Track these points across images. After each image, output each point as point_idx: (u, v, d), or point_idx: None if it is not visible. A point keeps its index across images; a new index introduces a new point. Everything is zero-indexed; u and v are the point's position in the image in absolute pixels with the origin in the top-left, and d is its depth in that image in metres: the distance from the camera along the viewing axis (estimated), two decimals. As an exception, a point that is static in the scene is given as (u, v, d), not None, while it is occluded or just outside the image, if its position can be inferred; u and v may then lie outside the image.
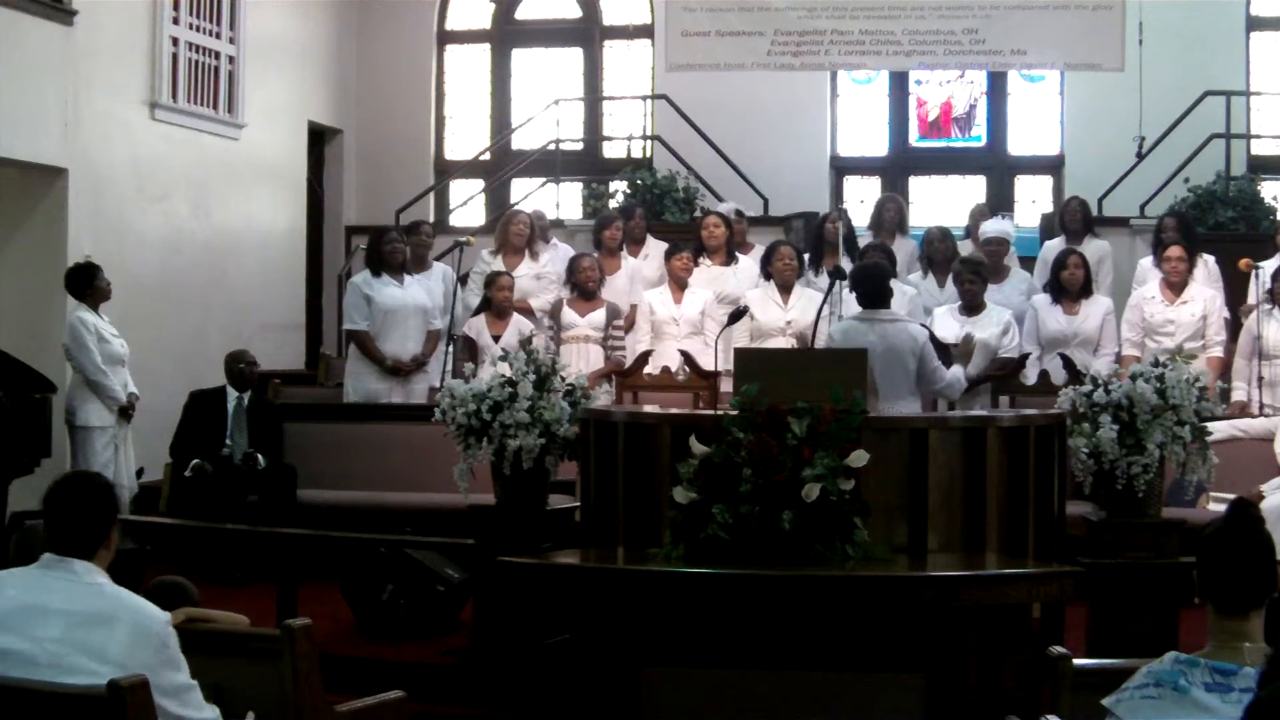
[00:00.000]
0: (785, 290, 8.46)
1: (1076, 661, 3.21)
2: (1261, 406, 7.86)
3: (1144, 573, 5.40)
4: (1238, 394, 8.05)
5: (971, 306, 8.15)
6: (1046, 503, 5.23)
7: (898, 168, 12.66)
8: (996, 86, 12.50)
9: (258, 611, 5.12)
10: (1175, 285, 8.49)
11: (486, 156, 12.91)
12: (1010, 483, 5.13)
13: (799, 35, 10.99)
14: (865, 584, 4.62)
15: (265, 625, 3.97)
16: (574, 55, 13.18)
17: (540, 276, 9.38)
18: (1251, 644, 2.72)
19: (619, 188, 11.80)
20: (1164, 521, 5.48)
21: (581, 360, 8.49)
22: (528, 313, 9.04)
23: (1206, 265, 8.95)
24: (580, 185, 12.72)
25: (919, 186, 12.69)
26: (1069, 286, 8.48)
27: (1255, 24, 11.94)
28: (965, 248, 9.51)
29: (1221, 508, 2.85)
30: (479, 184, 12.96)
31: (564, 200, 12.57)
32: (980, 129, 12.62)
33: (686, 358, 8.36)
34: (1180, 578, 5.21)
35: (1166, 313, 8.44)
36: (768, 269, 8.62)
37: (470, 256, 9.74)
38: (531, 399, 5.56)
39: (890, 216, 9.86)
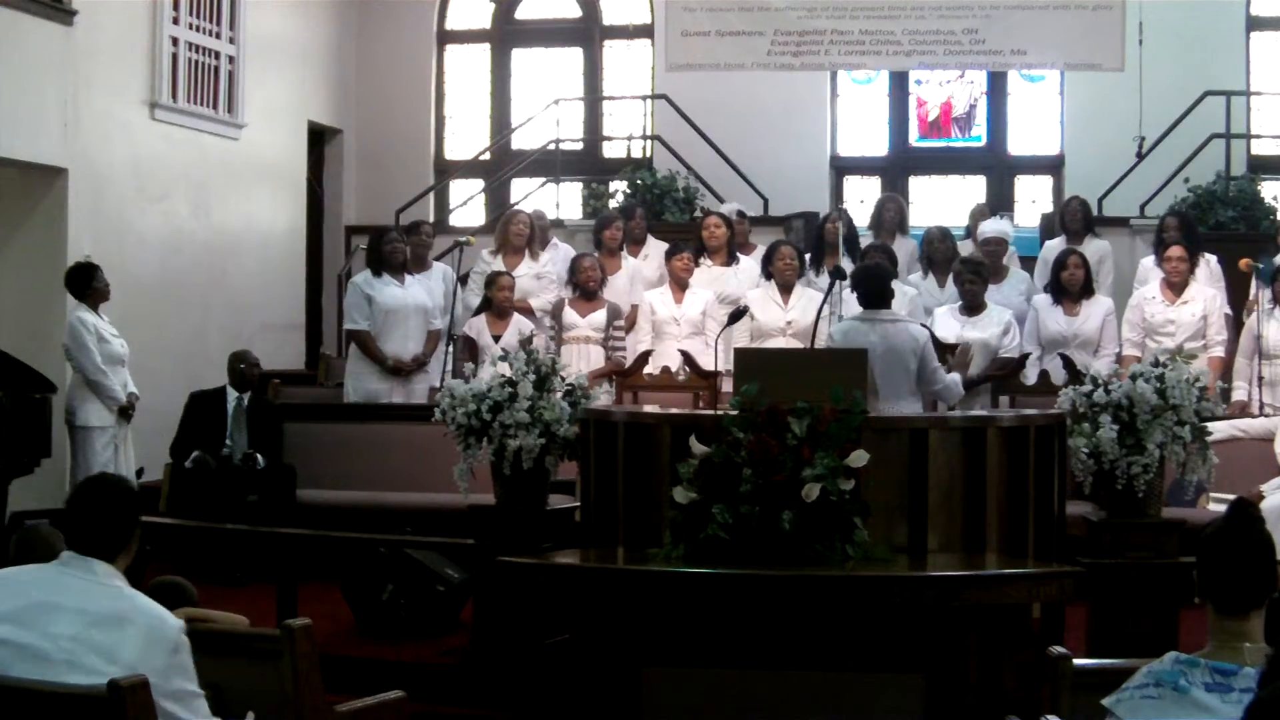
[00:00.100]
0: (786, 290, 8.46)
1: (1076, 661, 3.21)
2: (1262, 406, 7.86)
3: (1144, 573, 5.39)
4: (1238, 393, 8.05)
5: (972, 306, 8.15)
6: (1046, 503, 5.23)
7: (898, 168, 12.65)
8: (996, 86, 12.50)
9: (258, 611, 5.14)
10: (1176, 285, 8.49)
11: (486, 156, 12.91)
12: (1010, 483, 5.13)
13: (799, 35, 10.99)
14: (865, 584, 4.62)
15: (265, 625, 3.97)
16: (574, 55, 13.18)
17: (540, 276, 9.38)
18: (1251, 644, 2.72)
19: (619, 188, 11.80)
20: (1164, 521, 5.48)
21: (582, 361, 8.49)
22: (528, 313, 9.04)
23: (1208, 265, 8.95)
24: (580, 185, 12.72)
25: (919, 186, 12.69)
26: (1069, 286, 8.48)
27: (1255, 24, 11.94)
28: (965, 248, 9.50)
29: (1221, 508, 2.85)
30: (479, 184, 12.96)
31: (564, 200, 12.56)
32: (980, 129, 12.62)
33: (686, 358, 8.36)
34: (1180, 578, 5.21)
35: (1167, 313, 8.44)
36: (768, 269, 8.62)
37: (470, 256, 9.74)
38: (531, 399, 5.56)
39: (890, 216, 9.86)
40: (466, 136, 13.36)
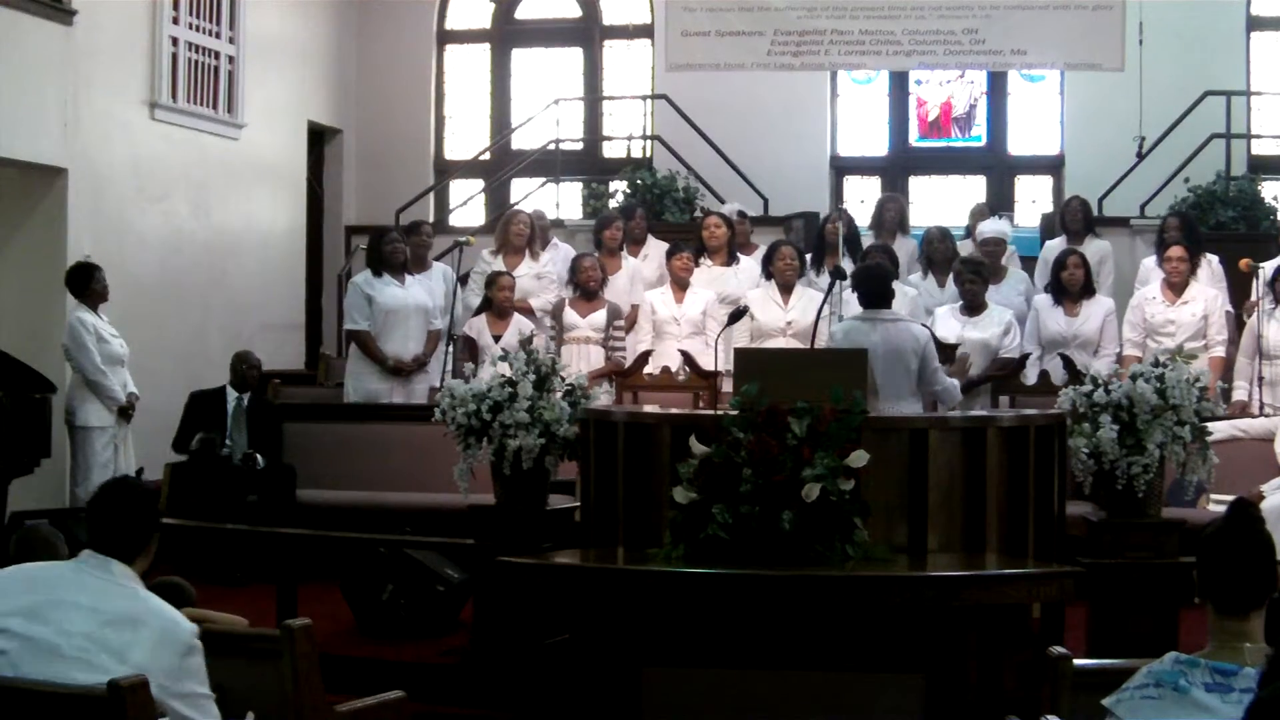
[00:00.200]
0: (786, 290, 8.45)
1: (1076, 661, 3.21)
2: (1262, 406, 7.86)
3: (1144, 573, 5.39)
4: (1239, 393, 8.06)
5: (973, 306, 8.15)
6: (1046, 503, 5.23)
7: (898, 168, 12.66)
8: (996, 86, 12.51)
9: (258, 611, 5.14)
10: (1176, 285, 8.49)
11: (486, 156, 12.91)
12: (1010, 483, 5.13)
13: (799, 35, 10.99)
14: (865, 584, 4.62)
15: (265, 625, 3.97)
16: (574, 55, 13.18)
17: (541, 276, 9.38)
18: (1251, 644, 2.71)
19: (619, 188, 11.80)
20: (1164, 521, 5.48)
21: (582, 361, 8.49)
22: (528, 313, 9.04)
23: (1210, 265, 8.95)
24: (580, 185, 12.72)
25: (919, 186, 12.69)
26: (1069, 286, 8.48)
27: (1255, 24, 11.94)
28: (965, 248, 9.50)
29: (1221, 508, 2.85)
30: (479, 184, 12.96)
31: (564, 200, 12.57)
32: (980, 129, 12.62)
33: (686, 358, 8.35)
34: (1180, 578, 5.21)
35: (1167, 313, 8.44)
36: (768, 269, 8.62)
37: (470, 256, 9.74)
38: (531, 399, 5.56)
39: (891, 216, 9.86)
40: (466, 136, 13.36)
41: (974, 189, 12.49)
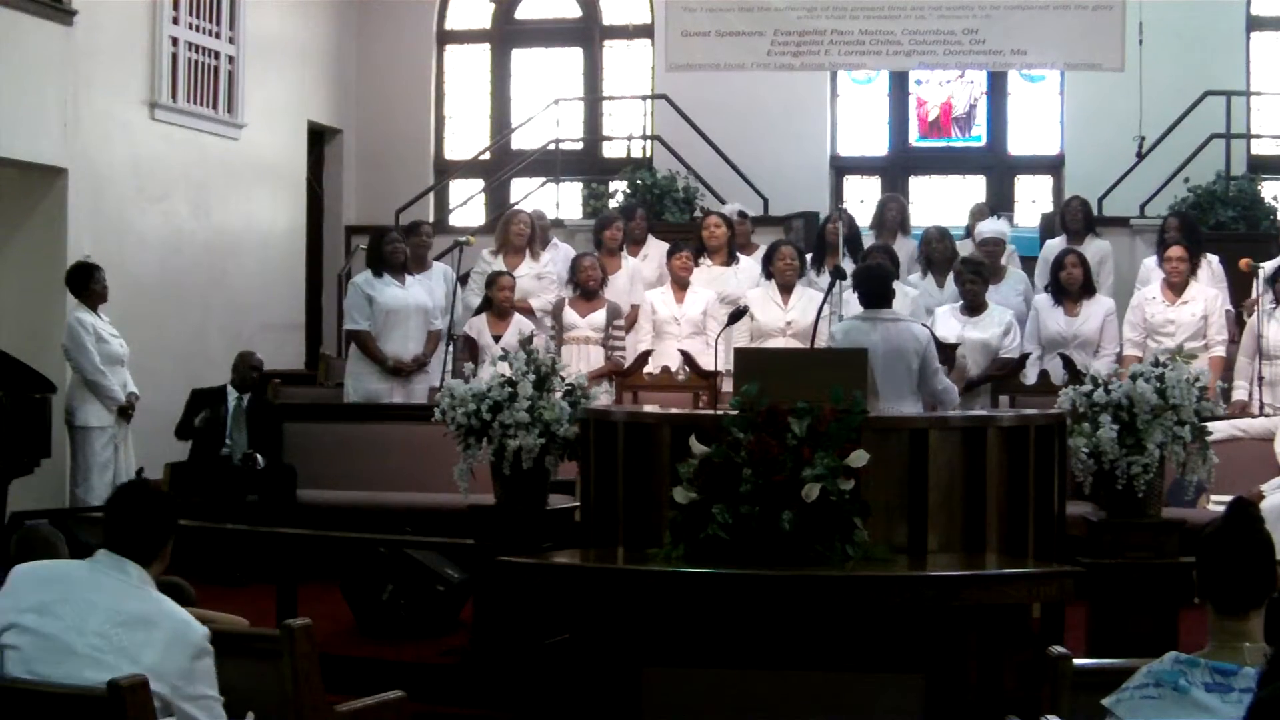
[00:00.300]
0: (786, 290, 8.45)
1: (1076, 661, 3.21)
2: (1262, 406, 7.87)
3: (1144, 573, 5.39)
4: (1238, 393, 8.06)
5: (973, 306, 8.16)
6: (1046, 503, 5.23)
7: (898, 168, 12.66)
8: (996, 86, 12.50)
9: (258, 611, 5.14)
10: (1176, 285, 8.50)
11: (486, 156, 12.91)
12: (1010, 483, 5.13)
13: (799, 35, 10.99)
14: (865, 584, 4.61)
15: (265, 625, 3.97)
16: (574, 55, 13.18)
17: (541, 276, 9.38)
18: (1251, 644, 2.71)
19: (619, 188, 11.80)
20: (1164, 521, 5.48)
21: (582, 361, 8.49)
22: (528, 313, 9.04)
23: (1210, 265, 8.96)
24: (580, 185, 12.72)
25: (919, 186, 12.69)
26: (1068, 286, 8.49)
27: (1255, 24, 11.94)
28: (965, 247, 9.50)
29: (1221, 508, 2.85)
30: (479, 184, 12.96)
31: (564, 200, 12.57)
32: (980, 129, 12.62)
33: (686, 358, 8.36)
34: (1180, 578, 5.21)
35: (1167, 313, 8.44)
36: (768, 269, 8.62)
37: (470, 256, 9.74)
38: (531, 399, 5.56)
39: (892, 216, 9.86)
40: (466, 136, 13.36)
41: (974, 189, 12.49)
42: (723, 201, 10.94)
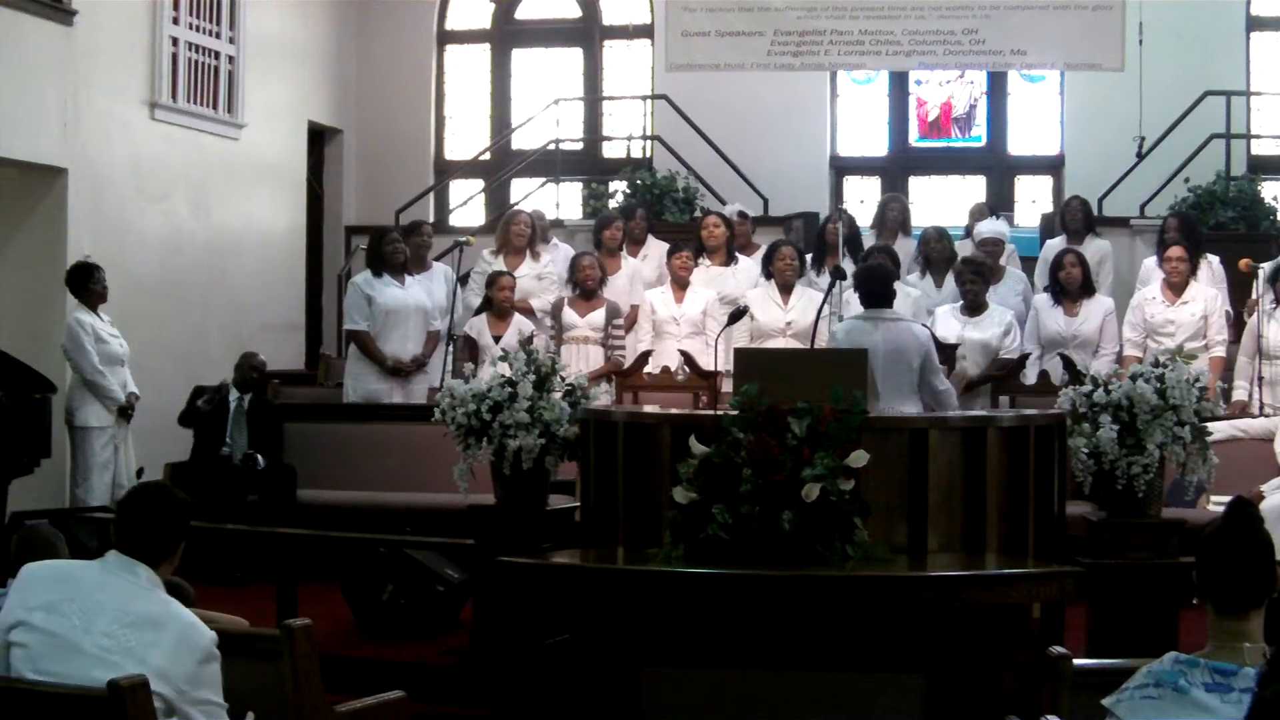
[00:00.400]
0: (786, 290, 8.46)
1: (1076, 661, 3.21)
2: (1262, 406, 7.87)
3: (1144, 573, 5.39)
4: (1238, 393, 8.06)
5: (973, 306, 8.16)
6: (1046, 503, 5.23)
7: (898, 168, 12.65)
8: (996, 86, 12.50)
9: (258, 611, 5.14)
10: (1176, 285, 8.50)
11: (486, 156, 12.91)
12: (1010, 483, 5.13)
13: (799, 35, 10.99)
14: (865, 584, 4.62)
15: (265, 625, 3.97)
16: (574, 55, 13.18)
17: (542, 277, 9.38)
18: (1251, 644, 2.71)
19: (619, 188, 11.81)
20: (1164, 521, 5.48)
21: (581, 360, 8.49)
22: (529, 313, 9.04)
23: (1210, 266, 8.96)
24: (580, 185, 12.72)
25: (919, 186, 12.69)
26: (1066, 286, 8.50)
27: (1255, 24, 11.94)
28: (965, 248, 9.51)
29: (1221, 508, 2.85)
30: (479, 184, 12.96)
31: (564, 200, 12.56)
32: (980, 129, 12.62)
33: (686, 358, 8.36)
34: (1180, 578, 5.21)
35: (1167, 313, 8.45)
36: (768, 269, 8.62)
37: (470, 256, 9.74)
38: (531, 399, 5.56)
39: (894, 216, 9.86)
40: (466, 136, 13.36)
41: (974, 189, 12.49)
42: (723, 202, 10.94)
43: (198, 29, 10.62)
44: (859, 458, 4.75)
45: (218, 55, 10.86)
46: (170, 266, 10.29)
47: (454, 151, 13.29)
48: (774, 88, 11.93)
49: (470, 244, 9.68)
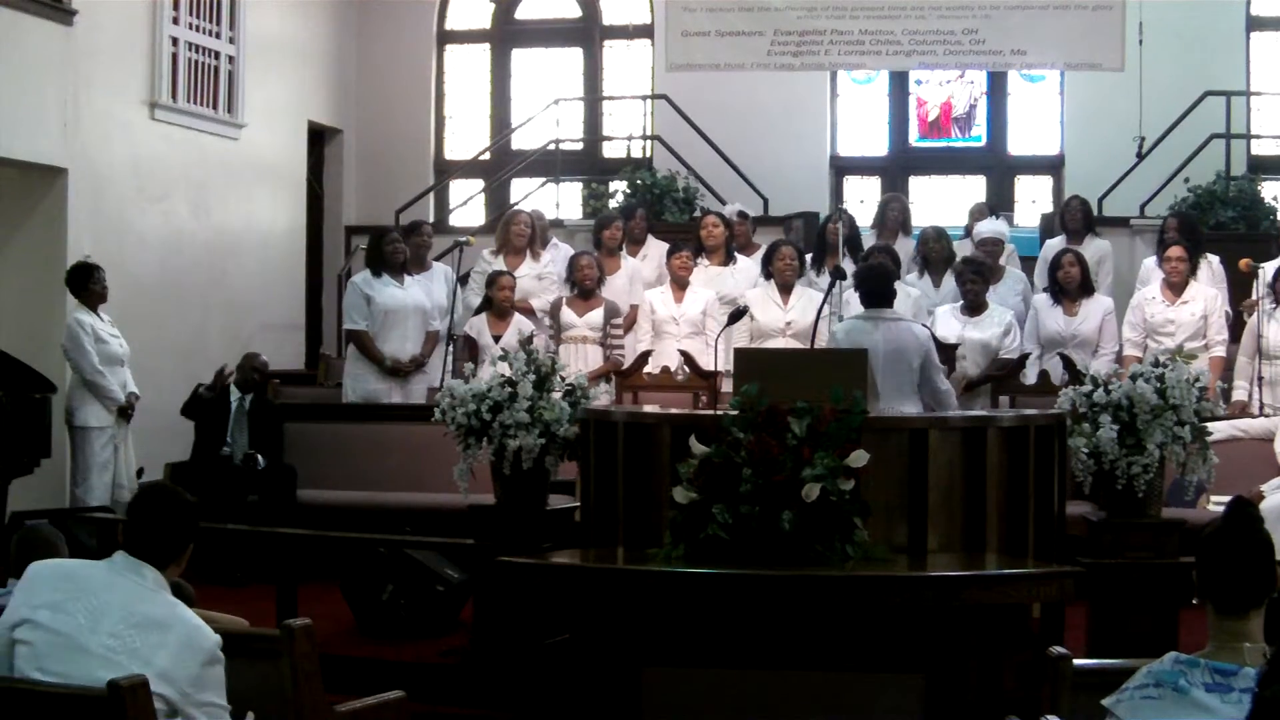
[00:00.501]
0: (785, 290, 8.46)
1: (1076, 661, 3.21)
2: (1262, 406, 7.87)
3: (1144, 573, 5.39)
4: (1238, 393, 8.06)
5: (973, 306, 8.16)
6: (1046, 503, 5.23)
7: (898, 167, 12.65)
8: (996, 86, 12.50)
9: (258, 611, 5.13)
10: (1176, 285, 8.50)
11: (486, 156, 12.91)
12: (1010, 483, 5.13)
13: (799, 35, 10.99)
14: (865, 584, 4.61)
15: (265, 625, 3.97)
16: (574, 55, 13.18)
17: (542, 277, 9.38)
18: (1251, 644, 2.71)
19: (619, 188, 11.81)
20: (1164, 521, 5.48)
21: (580, 360, 8.49)
22: (529, 313, 9.04)
23: (1210, 266, 8.96)
24: (580, 185, 12.72)
25: (919, 186, 12.68)
26: (1065, 285, 8.51)
27: (1255, 24, 11.94)
28: (964, 247, 9.51)
29: (1221, 508, 2.85)
30: (479, 184, 12.96)
31: (564, 200, 12.57)
32: (980, 129, 12.62)
33: (686, 358, 8.36)
34: (1180, 578, 5.21)
35: (1167, 313, 8.45)
36: (768, 269, 8.62)
37: (470, 256, 9.74)
38: (531, 399, 5.56)
39: (894, 216, 9.86)
40: (466, 136, 13.36)
41: (974, 189, 12.49)
42: (723, 201, 10.94)
43: (198, 29, 10.62)
44: (859, 458, 4.75)
45: (218, 55, 10.86)
46: (170, 266, 10.28)
47: (454, 151, 13.29)
48: (774, 88, 11.93)
49: (470, 244, 9.68)
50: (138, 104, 10.04)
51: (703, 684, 4.79)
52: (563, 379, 5.73)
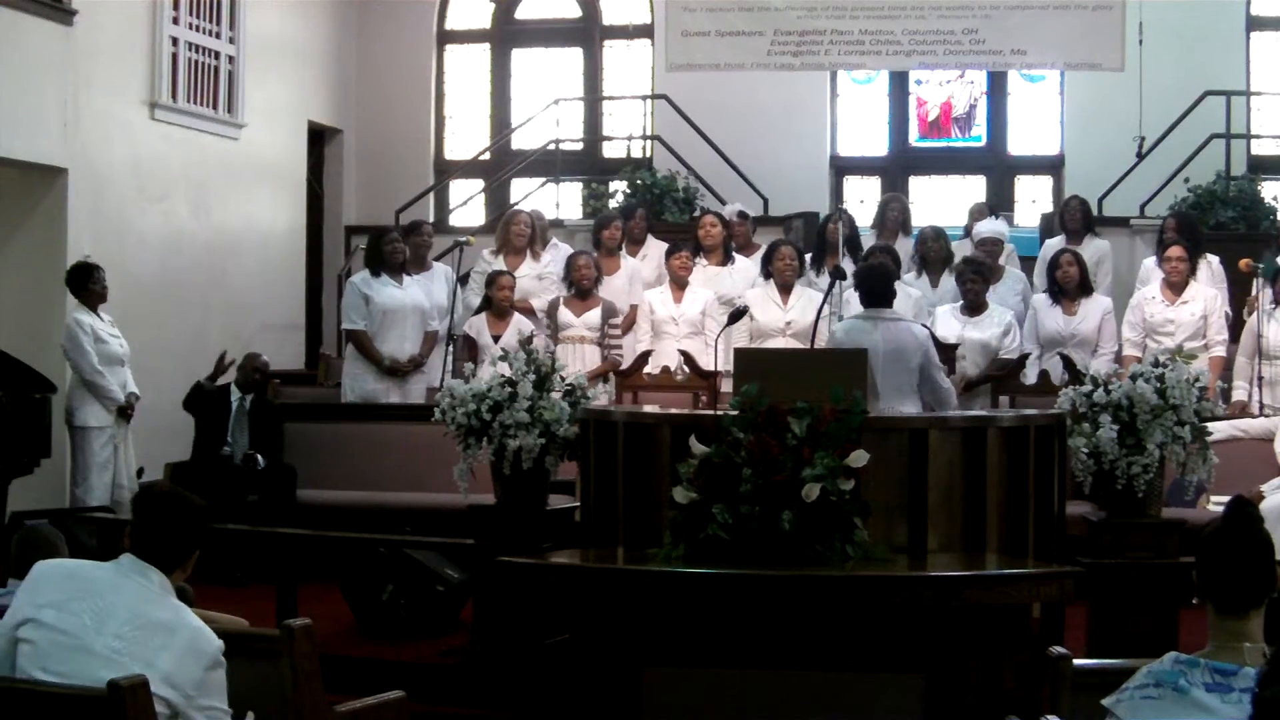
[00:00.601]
0: (785, 290, 8.45)
1: (1076, 661, 3.21)
2: (1262, 406, 7.87)
3: (1144, 573, 5.39)
4: (1238, 393, 8.07)
5: (973, 306, 8.16)
6: (1046, 503, 5.23)
7: (898, 167, 12.65)
8: (996, 86, 12.50)
9: (258, 611, 5.14)
10: (1175, 285, 8.50)
11: (486, 156, 12.91)
12: (1010, 483, 5.13)
13: (799, 35, 10.99)
14: (865, 584, 4.61)
15: (265, 625, 3.97)
16: (574, 55, 13.18)
17: (542, 277, 9.38)
18: (1251, 644, 2.71)
19: (619, 188, 11.80)
20: (1164, 521, 5.48)
21: (578, 360, 8.48)
22: (529, 313, 9.04)
23: (1210, 266, 8.96)
24: (580, 185, 12.72)
25: (919, 186, 12.68)
26: (1063, 285, 8.52)
27: (1255, 24, 11.94)
28: (964, 247, 9.51)
29: (1221, 508, 2.85)
30: (479, 184, 12.96)
31: (564, 200, 12.57)
32: (980, 129, 12.62)
33: (686, 358, 8.36)
34: (1180, 578, 5.21)
35: (1167, 312, 8.45)
36: (768, 269, 8.62)
37: (470, 256, 9.74)
38: (531, 399, 5.56)
39: (894, 216, 9.86)
40: (466, 136, 13.36)
41: (974, 189, 12.49)
42: (723, 202, 10.94)
43: (198, 29, 10.62)
44: (859, 458, 4.75)
45: (218, 55, 10.86)
46: (170, 266, 10.28)
47: (454, 151, 13.29)
48: (774, 88, 11.93)
49: (470, 244, 9.68)
50: (138, 104, 10.04)
51: (703, 684, 4.79)
52: (562, 379, 5.73)
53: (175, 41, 10.36)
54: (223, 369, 8.45)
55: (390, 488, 8.04)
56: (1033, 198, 12.57)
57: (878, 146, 12.75)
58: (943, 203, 12.39)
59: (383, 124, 12.99)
